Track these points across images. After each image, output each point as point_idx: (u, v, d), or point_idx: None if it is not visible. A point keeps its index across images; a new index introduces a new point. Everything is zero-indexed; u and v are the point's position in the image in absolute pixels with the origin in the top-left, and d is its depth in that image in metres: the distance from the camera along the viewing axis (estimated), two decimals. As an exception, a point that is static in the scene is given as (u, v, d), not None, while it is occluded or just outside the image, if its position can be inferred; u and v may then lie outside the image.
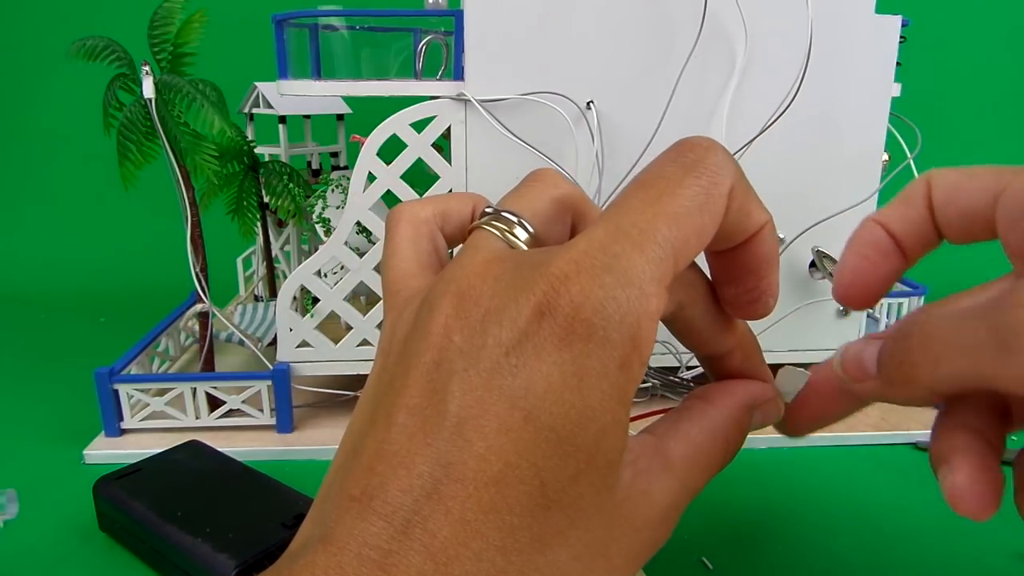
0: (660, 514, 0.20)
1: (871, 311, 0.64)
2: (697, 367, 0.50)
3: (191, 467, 0.44)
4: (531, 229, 0.21)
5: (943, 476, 0.23)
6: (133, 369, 0.55)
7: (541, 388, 0.17)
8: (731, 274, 0.22)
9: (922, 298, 0.64)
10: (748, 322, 0.25)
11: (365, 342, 0.54)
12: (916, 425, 0.55)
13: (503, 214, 0.21)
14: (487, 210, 0.22)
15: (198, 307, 0.58)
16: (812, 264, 0.55)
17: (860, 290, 0.26)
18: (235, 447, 0.51)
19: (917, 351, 0.21)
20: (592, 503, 0.18)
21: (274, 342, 0.58)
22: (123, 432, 0.54)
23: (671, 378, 0.55)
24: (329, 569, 0.16)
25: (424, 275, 0.23)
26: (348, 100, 0.77)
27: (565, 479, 0.17)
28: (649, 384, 0.55)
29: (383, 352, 0.21)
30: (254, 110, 0.74)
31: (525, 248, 0.21)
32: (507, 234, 0.21)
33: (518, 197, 0.23)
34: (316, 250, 0.55)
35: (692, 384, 0.54)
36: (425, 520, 0.16)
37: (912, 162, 0.52)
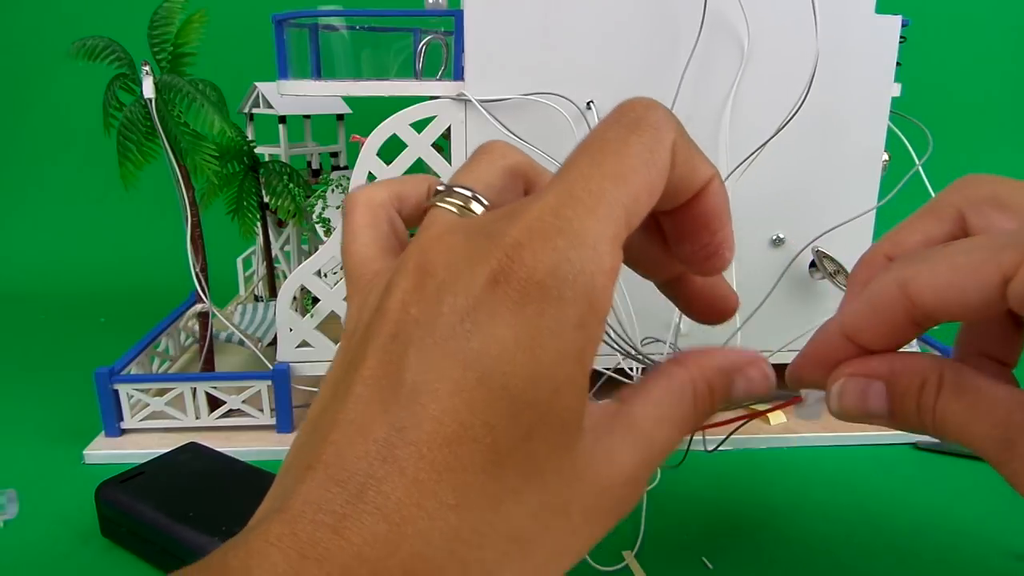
0: (626, 476, 0.20)
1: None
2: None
3: (194, 468, 0.44)
4: (486, 202, 0.21)
5: None
6: (133, 369, 0.55)
7: (495, 350, 0.17)
8: (685, 232, 0.22)
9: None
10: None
11: (365, 342, 0.54)
12: (916, 425, 0.55)
13: (456, 189, 0.21)
14: (439, 188, 0.22)
15: (198, 307, 0.58)
16: (812, 264, 0.55)
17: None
18: (235, 447, 0.51)
19: (955, 417, 0.22)
20: (548, 461, 0.18)
21: (274, 342, 0.58)
22: (123, 432, 0.54)
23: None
24: (283, 536, 0.16)
25: (384, 258, 0.23)
26: (348, 100, 0.77)
27: (517, 437, 0.17)
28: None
29: (347, 336, 0.21)
30: (254, 110, 0.74)
31: None
32: (463, 210, 0.21)
33: (468, 171, 0.23)
34: (316, 250, 0.55)
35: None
36: (379, 483, 0.17)
37: (921, 169, 0.52)
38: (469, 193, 0.21)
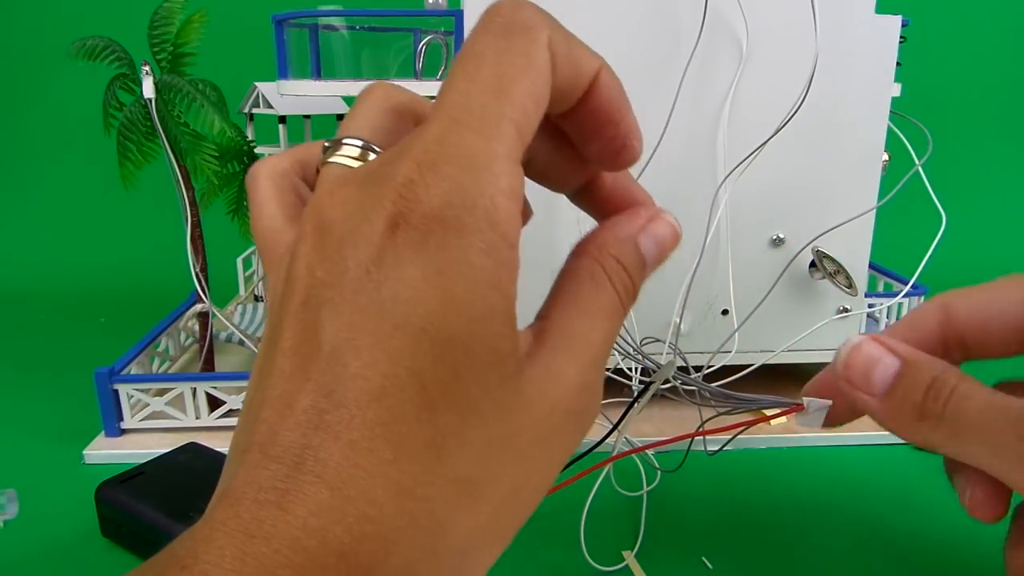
0: (576, 386, 0.19)
1: (871, 310, 0.64)
2: (711, 367, 0.50)
3: (195, 468, 0.44)
4: (378, 149, 0.21)
5: (962, 486, 0.27)
6: (133, 369, 0.55)
7: (406, 294, 0.17)
8: (588, 130, 0.21)
9: (922, 298, 0.64)
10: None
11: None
12: (916, 425, 0.55)
13: (344, 141, 0.21)
14: (327, 144, 0.21)
15: (198, 307, 0.58)
16: (812, 264, 0.55)
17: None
18: (235, 447, 0.51)
19: (973, 409, 0.23)
20: (484, 396, 0.17)
21: (274, 342, 0.58)
22: (123, 432, 0.54)
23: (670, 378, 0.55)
24: (227, 520, 0.16)
25: (293, 228, 0.22)
26: (348, 100, 0.77)
27: (446, 377, 0.17)
28: (650, 382, 0.55)
29: (270, 311, 0.20)
30: (254, 110, 0.74)
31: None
32: (357, 160, 0.20)
33: (353, 118, 0.22)
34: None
35: (700, 387, 0.54)
36: (316, 451, 0.16)
37: (921, 169, 0.52)
38: (360, 143, 0.21)
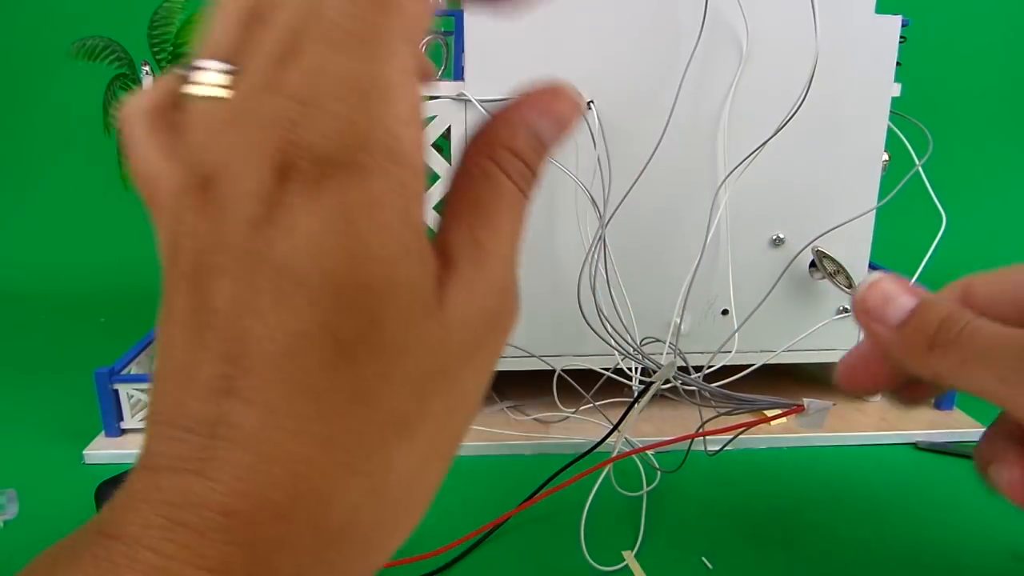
0: (489, 298, 0.18)
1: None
2: (711, 367, 0.50)
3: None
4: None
5: (998, 473, 0.29)
6: (133, 369, 0.55)
7: (304, 246, 0.15)
8: None
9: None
10: None
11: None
12: (916, 425, 0.55)
13: (202, 67, 0.17)
14: (183, 72, 0.18)
15: (198, 307, 0.58)
16: (812, 264, 0.55)
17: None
18: (235, 447, 0.51)
19: (958, 350, 0.25)
20: (409, 335, 0.16)
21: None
22: (123, 432, 0.54)
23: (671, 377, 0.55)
24: (149, 492, 0.15)
25: (174, 169, 0.19)
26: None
27: (362, 324, 0.16)
28: (650, 382, 0.55)
29: (162, 272, 0.18)
30: (254, 110, 0.74)
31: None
32: (226, 90, 0.17)
33: (210, 31, 0.18)
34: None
35: (699, 388, 0.54)
36: (228, 418, 0.15)
37: (921, 169, 0.52)
38: (220, 66, 0.17)
